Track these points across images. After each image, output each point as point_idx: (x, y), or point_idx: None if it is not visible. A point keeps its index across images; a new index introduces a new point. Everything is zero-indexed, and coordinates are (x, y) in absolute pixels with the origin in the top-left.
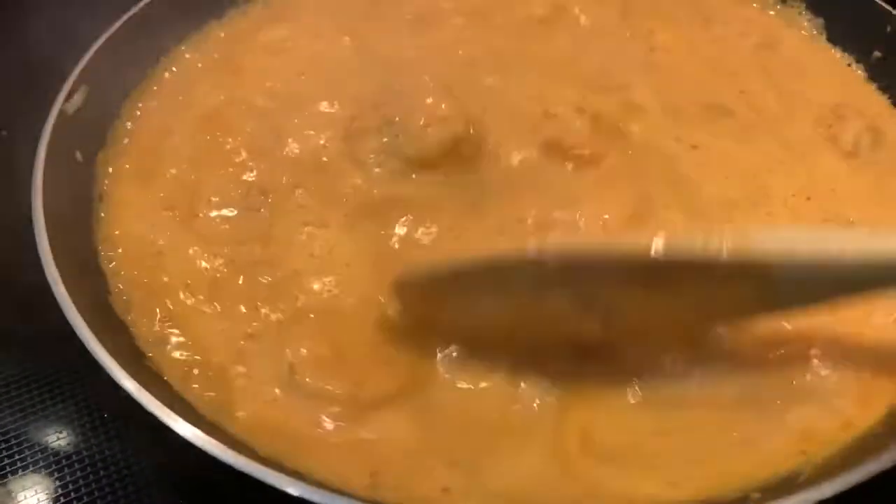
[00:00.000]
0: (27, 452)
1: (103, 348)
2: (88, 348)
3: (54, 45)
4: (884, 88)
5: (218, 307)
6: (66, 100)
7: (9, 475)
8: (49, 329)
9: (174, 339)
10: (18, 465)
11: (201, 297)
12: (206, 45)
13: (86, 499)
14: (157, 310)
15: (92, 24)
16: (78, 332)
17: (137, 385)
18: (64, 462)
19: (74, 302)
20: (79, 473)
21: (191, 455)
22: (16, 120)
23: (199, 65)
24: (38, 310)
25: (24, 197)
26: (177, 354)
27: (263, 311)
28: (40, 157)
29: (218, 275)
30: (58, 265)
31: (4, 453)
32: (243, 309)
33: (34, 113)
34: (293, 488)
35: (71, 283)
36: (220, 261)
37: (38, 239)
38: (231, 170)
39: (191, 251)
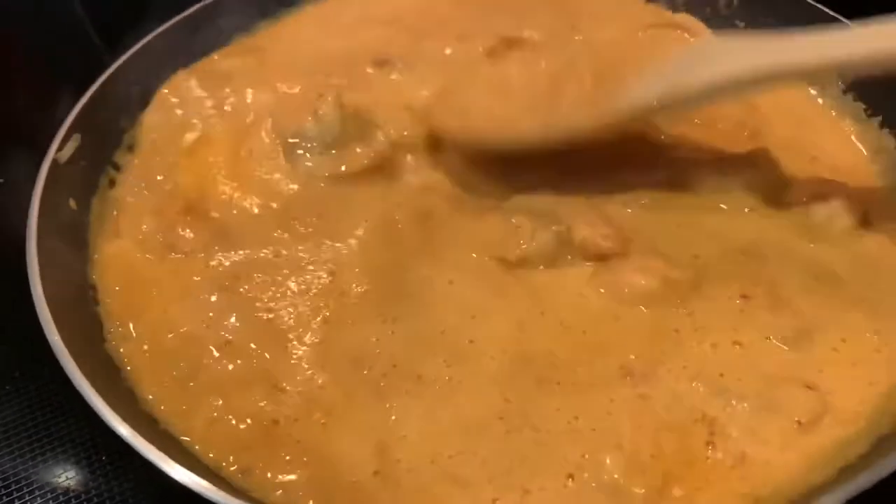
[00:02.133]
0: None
1: (100, 397)
2: (85, 397)
3: (48, 92)
4: None
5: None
6: (59, 149)
7: None
8: (44, 374)
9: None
10: None
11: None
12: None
13: None
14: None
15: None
16: (74, 381)
17: (132, 430)
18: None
19: (70, 350)
20: None
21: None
22: (11, 168)
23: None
24: (34, 354)
25: (20, 243)
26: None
27: None
28: (34, 205)
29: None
30: (52, 312)
31: (5, 499)
32: None
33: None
34: None
35: (66, 331)
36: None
37: (32, 285)
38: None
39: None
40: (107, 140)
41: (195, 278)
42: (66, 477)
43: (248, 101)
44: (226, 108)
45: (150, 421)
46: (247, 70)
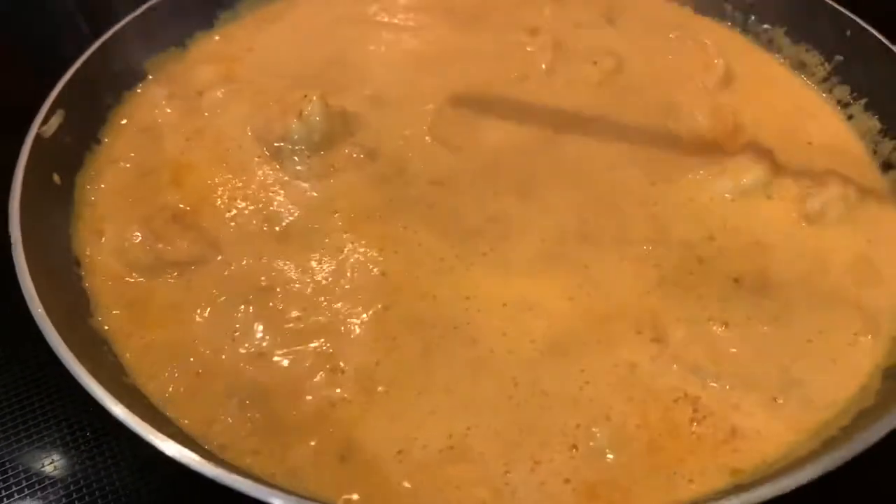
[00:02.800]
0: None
1: (87, 371)
2: (71, 371)
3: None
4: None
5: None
6: (43, 123)
7: None
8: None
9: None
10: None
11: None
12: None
13: None
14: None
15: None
16: (60, 356)
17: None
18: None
19: (55, 325)
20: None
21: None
22: None
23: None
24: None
25: (1, 220)
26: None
27: None
28: (18, 177)
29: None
30: (37, 288)
31: None
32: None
33: (12, 136)
34: (278, 500)
35: (51, 308)
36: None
37: (16, 262)
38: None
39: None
40: (91, 116)
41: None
42: (52, 459)
43: (227, 108)
44: (205, 115)
45: (142, 400)
46: (221, 77)
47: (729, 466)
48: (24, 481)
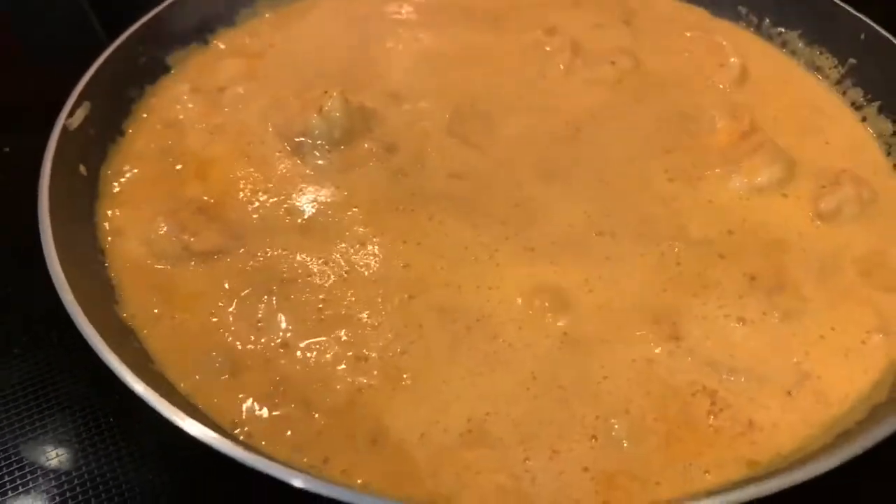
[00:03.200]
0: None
1: (117, 358)
2: (102, 357)
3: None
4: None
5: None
6: (69, 115)
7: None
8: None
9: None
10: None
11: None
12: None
13: None
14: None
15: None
16: (90, 342)
17: (146, 387)
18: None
19: (85, 311)
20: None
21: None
22: (22, 138)
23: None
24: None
25: (28, 211)
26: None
27: None
28: (46, 168)
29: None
30: (66, 274)
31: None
32: None
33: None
34: (298, 481)
35: (80, 294)
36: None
37: (45, 249)
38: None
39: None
40: (115, 109)
41: (224, 283)
42: (70, 439)
43: (249, 103)
44: (226, 109)
45: (165, 384)
46: (243, 73)
47: (745, 458)
48: (29, 473)
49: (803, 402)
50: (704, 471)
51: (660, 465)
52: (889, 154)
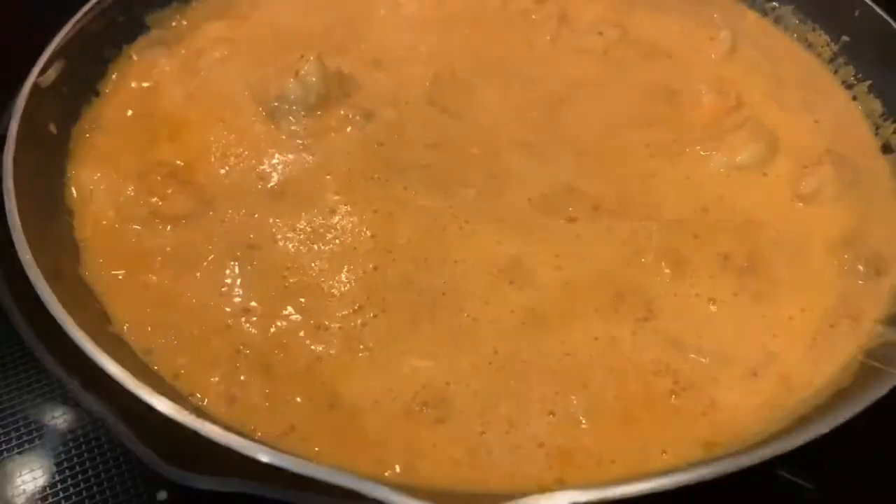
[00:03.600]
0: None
1: (71, 319)
2: (56, 317)
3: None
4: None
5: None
6: (42, 73)
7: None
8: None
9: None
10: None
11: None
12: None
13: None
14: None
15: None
16: (46, 303)
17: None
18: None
19: (43, 272)
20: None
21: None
22: None
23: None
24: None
25: None
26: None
27: None
28: (13, 128)
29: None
30: (27, 235)
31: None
32: None
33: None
34: (264, 455)
35: (41, 255)
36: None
37: (8, 211)
38: None
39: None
40: (90, 68)
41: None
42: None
43: (226, 67)
44: (203, 73)
45: (124, 348)
46: (222, 35)
47: (703, 439)
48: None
49: (767, 384)
50: (662, 450)
51: (616, 442)
52: (877, 134)
